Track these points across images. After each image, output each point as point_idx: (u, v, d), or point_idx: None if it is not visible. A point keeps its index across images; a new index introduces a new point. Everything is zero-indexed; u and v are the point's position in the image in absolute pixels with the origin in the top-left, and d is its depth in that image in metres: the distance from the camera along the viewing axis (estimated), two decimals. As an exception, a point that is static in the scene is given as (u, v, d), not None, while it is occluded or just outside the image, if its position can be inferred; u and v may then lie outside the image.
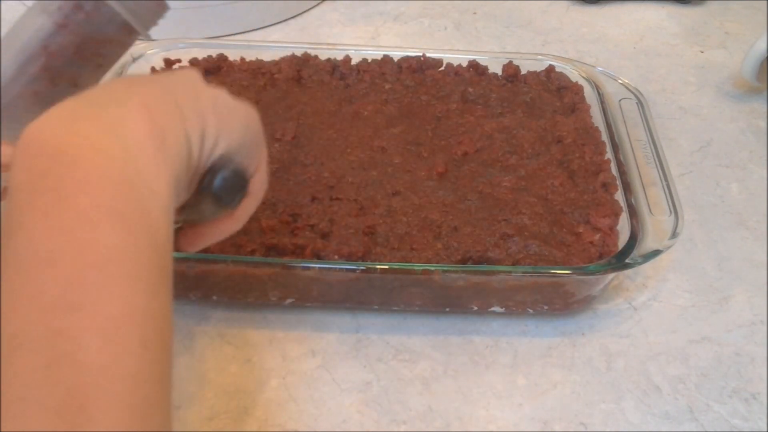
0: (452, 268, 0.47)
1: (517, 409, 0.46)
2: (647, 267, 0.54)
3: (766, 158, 0.66)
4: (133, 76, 0.36)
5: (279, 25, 0.79)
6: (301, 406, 0.46)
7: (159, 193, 0.29)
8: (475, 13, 0.84)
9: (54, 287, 0.24)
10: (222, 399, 0.46)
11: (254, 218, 0.50)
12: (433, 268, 0.46)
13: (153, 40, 0.45)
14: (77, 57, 0.43)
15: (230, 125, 0.36)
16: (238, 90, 0.62)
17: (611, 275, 0.48)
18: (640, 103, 0.60)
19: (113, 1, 0.42)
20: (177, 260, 0.47)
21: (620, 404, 0.46)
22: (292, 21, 0.80)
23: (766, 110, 0.72)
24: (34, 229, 0.25)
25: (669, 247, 0.48)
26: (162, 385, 0.26)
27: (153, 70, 0.63)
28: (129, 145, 0.29)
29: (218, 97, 0.36)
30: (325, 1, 0.84)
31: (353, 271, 0.47)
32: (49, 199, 0.26)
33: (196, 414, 0.45)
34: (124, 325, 0.25)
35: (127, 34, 0.44)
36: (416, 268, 0.46)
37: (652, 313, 0.52)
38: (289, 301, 0.50)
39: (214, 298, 0.51)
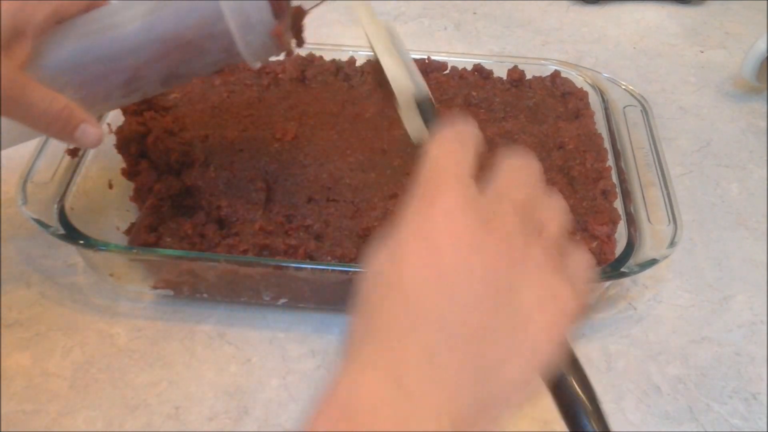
0: None
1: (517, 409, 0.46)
2: (647, 267, 0.54)
3: (766, 158, 0.66)
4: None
5: (279, 25, 0.79)
6: (301, 406, 0.46)
7: None
8: (475, 13, 0.84)
9: None
10: (222, 399, 0.46)
11: (247, 219, 0.50)
12: None
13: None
14: (158, 83, 0.44)
15: None
16: (241, 89, 0.62)
17: (606, 284, 0.48)
18: (645, 111, 0.60)
19: (242, 49, 0.43)
20: (169, 257, 0.47)
21: (620, 404, 0.47)
22: (292, 21, 0.80)
23: (766, 110, 0.72)
24: None
25: (666, 257, 0.48)
26: None
27: None
28: None
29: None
30: (325, 1, 0.84)
31: (345, 273, 0.47)
32: None
33: (196, 414, 0.45)
34: None
35: (217, 69, 0.45)
36: None
37: (652, 313, 0.52)
38: (282, 301, 0.50)
39: (205, 296, 0.51)
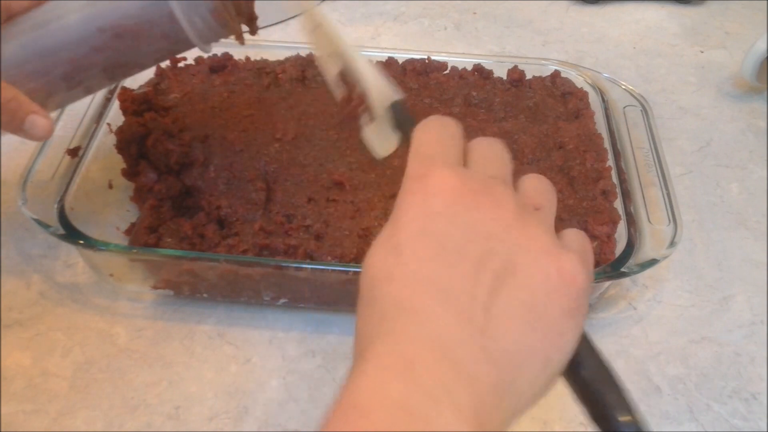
0: None
1: (517, 409, 0.46)
2: (647, 267, 0.54)
3: (766, 158, 0.66)
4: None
5: (279, 25, 0.79)
6: (301, 406, 0.46)
7: None
8: (475, 13, 0.84)
9: None
10: (222, 399, 0.46)
11: (247, 219, 0.50)
12: None
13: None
14: (103, 74, 0.44)
15: None
16: (241, 89, 0.62)
17: (606, 284, 0.48)
18: (645, 111, 0.60)
19: (190, 32, 0.42)
20: (169, 257, 0.47)
21: (620, 404, 0.46)
22: (292, 21, 0.80)
23: (766, 110, 0.72)
24: None
25: (666, 257, 0.48)
26: None
27: (158, 67, 0.63)
28: None
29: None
30: (325, 1, 0.84)
31: (345, 272, 0.47)
32: None
33: (196, 414, 0.45)
34: None
35: (159, 60, 0.44)
36: None
37: (652, 313, 0.52)
38: (282, 301, 0.50)
39: (205, 296, 0.51)
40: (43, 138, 0.43)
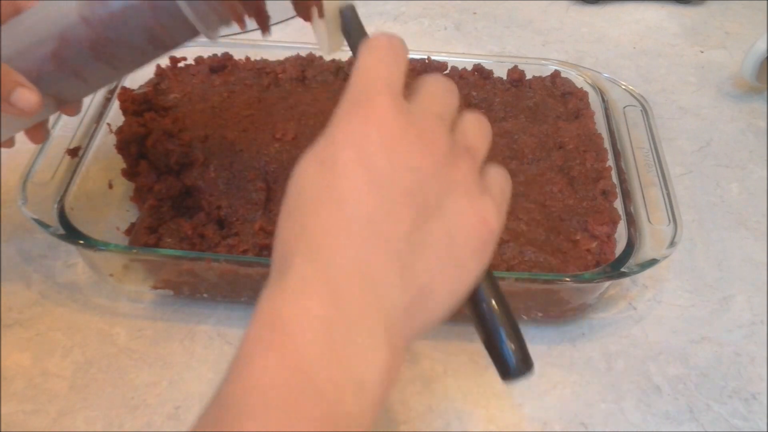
0: None
1: (517, 409, 0.46)
2: (647, 267, 0.54)
3: (766, 158, 0.66)
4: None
5: (279, 25, 0.79)
6: (301, 406, 0.46)
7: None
8: (475, 13, 0.84)
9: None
10: (222, 399, 0.46)
11: (247, 219, 0.50)
12: None
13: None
14: (92, 53, 0.42)
15: None
16: (241, 89, 0.62)
17: (606, 284, 0.48)
18: (645, 111, 0.60)
19: (183, 2, 0.40)
20: (169, 257, 0.47)
21: (620, 404, 0.47)
22: (292, 21, 0.80)
23: (766, 110, 0.72)
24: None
25: (666, 257, 0.48)
26: None
27: (158, 67, 0.63)
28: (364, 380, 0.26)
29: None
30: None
31: None
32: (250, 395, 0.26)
33: (196, 414, 0.45)
34: None
35: (155, 46, 0.43)
36: None
37: (652, 313, 0.52)
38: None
39: (205, 296, 0.51)
40: (31, 111, 0.42)
